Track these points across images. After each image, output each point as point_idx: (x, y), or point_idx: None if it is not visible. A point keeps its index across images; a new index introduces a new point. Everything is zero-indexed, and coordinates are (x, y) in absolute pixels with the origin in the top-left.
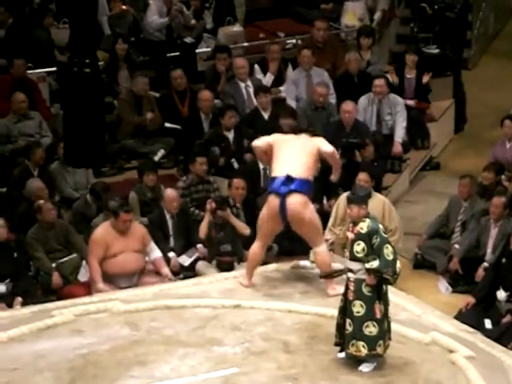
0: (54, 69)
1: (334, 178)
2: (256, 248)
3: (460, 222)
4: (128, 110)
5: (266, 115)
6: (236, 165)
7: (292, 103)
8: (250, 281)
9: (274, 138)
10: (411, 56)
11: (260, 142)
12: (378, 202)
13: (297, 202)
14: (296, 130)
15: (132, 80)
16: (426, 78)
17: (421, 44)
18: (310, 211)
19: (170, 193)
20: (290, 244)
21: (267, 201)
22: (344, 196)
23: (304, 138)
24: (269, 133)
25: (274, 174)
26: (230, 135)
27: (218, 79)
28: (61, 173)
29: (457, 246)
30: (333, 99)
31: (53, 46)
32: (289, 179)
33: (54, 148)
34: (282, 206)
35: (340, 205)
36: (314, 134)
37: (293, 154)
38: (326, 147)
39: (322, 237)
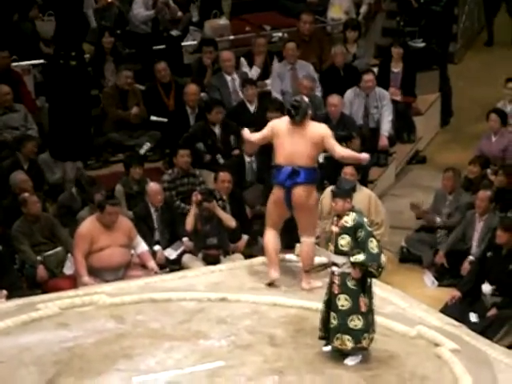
0: (40, 61)
1: (364, 162)
2: (269, 238)
3: (445, 216)
4: (112, 104)
5: (251, 108)
6: (222, 161)
7: (277, 97)
8: (277, 271)
9: (272, 126)
10: (397, 49)
11: (257, 136)
12: (363, 195)
13: (302, 193)
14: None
15: (116, 73)
16: (396, 94)
17: (407, 38)
18: (313, 200)
19: (153, 186)
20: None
21: (272, 192)
22: (329, 189)
23: (306, 124)
24: (255, 126)
25: (278, 162)
26: (217, 130)
27: (204, 72)
28: (49, 164)
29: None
30: (318, 92)
31: (38, 39)
32: (294, 172)
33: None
34: (288, 195)
35: (325, 198)
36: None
37: (295, 142)
38: (336, 151)
39: (315, 229)
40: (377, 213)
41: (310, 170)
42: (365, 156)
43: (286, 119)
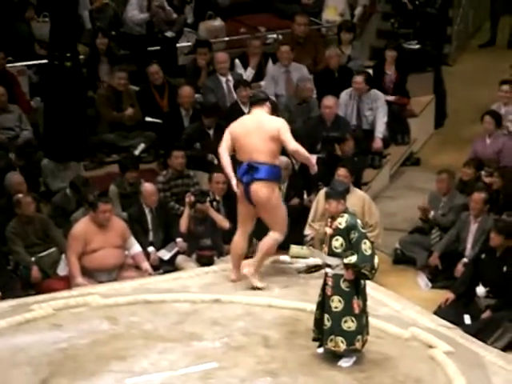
0: (35, 62)
1: (312, 172)
2: (236, 238)
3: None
4: (106, 105)
5: (245, 109)
6: (216, 161)
7: (272, 99)
8: (237, 274)
9: (230, 130)
10: (391, 52)
11: (223, 146)
12: (357, 197)
13: (259, 189)
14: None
15: (111, 75)
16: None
17: (401, 39)
18: (275, 197)
19: (148, 187)
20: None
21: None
22: (323, 191)
23: (260, 115)
24: None
25: (239, 159)
26: (211, 131)
27: (198, 74)
28: (51, 168)
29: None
30: (313, 94)
31: (33, 40)
32: (251, 167)
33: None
34: (247, 192)
35: (320, 200)
36: (265, 100)
37: (253, 139)
38: (289, 144)
39: (281, 226)
40: (370, 214)
41: (270, 167)
42: (314, 167)
43: (241, 119)
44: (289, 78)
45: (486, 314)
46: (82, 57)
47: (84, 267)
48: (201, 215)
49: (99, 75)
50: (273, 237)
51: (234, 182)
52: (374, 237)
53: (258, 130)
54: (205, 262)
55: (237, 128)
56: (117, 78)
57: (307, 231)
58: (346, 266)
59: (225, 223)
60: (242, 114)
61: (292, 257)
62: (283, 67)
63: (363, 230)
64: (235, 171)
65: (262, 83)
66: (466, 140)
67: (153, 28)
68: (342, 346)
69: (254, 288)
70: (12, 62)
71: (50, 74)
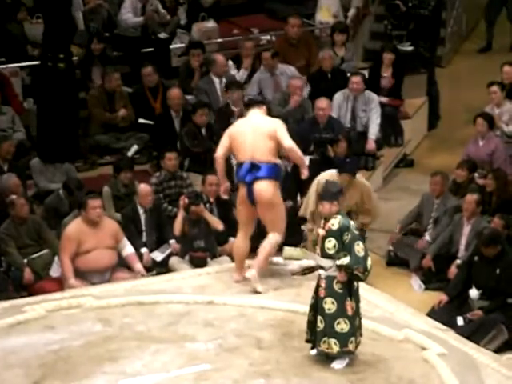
0: (27, 63)
1: (303, 175)
2: (238, 240)
3: (432, 219)
4: (98, 106)
5: (237, 111)
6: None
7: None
8: (241, 274)
9: (229, 133)
10: (388, 54)
11: (220, 152)
12: (358, 183)
13: (262, 188)
14: (244, 104)
15: (104, 76)
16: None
17: (395, 41)
18: (276, 196)
19: (143, 187)
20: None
21: (238, 192)
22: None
23: (257, 116)
24: None
25: (239, 160)
26: (203, 131)
27: (191, 75)
28: (40, 168)
29: (427, 237)
30: (306, 94)
31: (26, 41)
32: (253, 166)
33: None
34: (250, 192)
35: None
36: (262, 103)
37: (252, 138)
38: (285, 141)
39: (280, 226)
40: (368, 200)
41: (271, 165)
42: (305, 170)
43: (240, 121)
44: (276, 82)
45: (477, 316)
46: (75, 58)
47: (77, 268)
48: (194, 217)
49: (92, 77)
50: (273, 238)
51: (224, 186)
52: (366, 223)
53: (256, 130)
54: (198, 263)
55: (235, 130)
56: (110, 79)
57: (308, 225)
58: (339, 268)
59: (219, 225)
60: (233, 115)
61: (285, 258)
62: (269, 73)
63: (356, 232)
64: (229, 175)
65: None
66: (459, 142)
67: (146, 29)
68: (335, 348)
69: (255, 292)
70: (5, 63)
71: (43, 76)
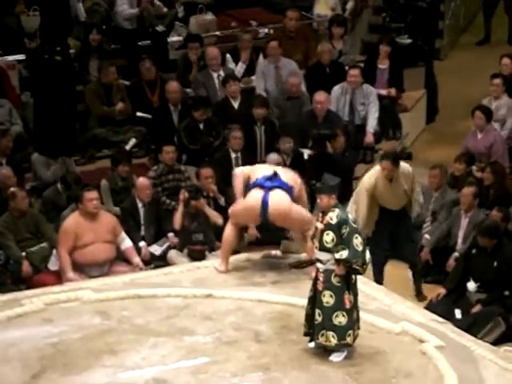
0: (24, 56)
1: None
2: (228, 231)
3: (430, 212)
4: (95, 99)
5: (235, 104)
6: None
7: (262, 94)
8: (226, 266)
9: (243, 171)
10: (385, 47)
11: (239, 172)
12: (406, 168)
13: (280, 196)
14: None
15: (101, 69)
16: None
17: (393, 34)
18: (293, 204)
19: (142, 181)
20: (261, 234)
21: (248, 194)
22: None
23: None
24: (239, 122)
25: (255, 180)
26: (201, 125)
27: (189, 68)
28: (42, 162)
29: (427, 235)
30: (300, 89)
31: (23, 34)
32: (276, 175)
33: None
34: (265, 199)
35: None
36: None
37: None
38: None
39: (307, 225)
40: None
41: (289, 186)
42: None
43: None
44: (278, 74)
45: (477, 309)
46: (72, 51)
47: (75, 262)
48: (193, 210)
49: (89, 70)
50: (307, 236)
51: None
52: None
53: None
54: (196, 256)
55: (251, 167)
56: (107, 73)
57: None
58: (337, 261)
59: (218, 219)
60: (233, 108)
61: (283, 252)
62: (272, 63)
63: (354, 225)
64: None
65: (254, 77)
66: (458, 135)
67: (143, 22)
68: (333, 341)
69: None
70: (2, 55)
71: (40, 68)
